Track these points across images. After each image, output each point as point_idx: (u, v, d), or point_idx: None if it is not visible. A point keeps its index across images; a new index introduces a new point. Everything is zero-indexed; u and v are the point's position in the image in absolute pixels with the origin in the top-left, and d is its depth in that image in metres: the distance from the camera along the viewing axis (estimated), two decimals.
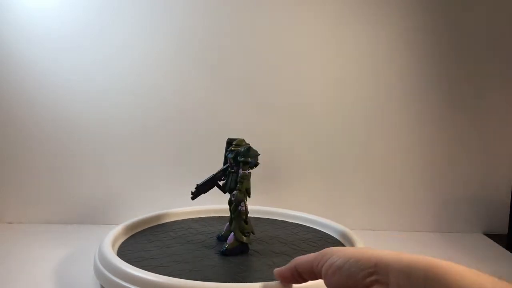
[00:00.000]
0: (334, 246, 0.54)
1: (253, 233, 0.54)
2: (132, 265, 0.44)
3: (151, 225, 0.61)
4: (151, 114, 0.70)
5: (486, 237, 0.71)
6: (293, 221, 0.65)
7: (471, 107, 0.71)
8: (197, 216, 0.66)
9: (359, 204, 0.73)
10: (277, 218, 0.67)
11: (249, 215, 0.54)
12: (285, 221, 0.66)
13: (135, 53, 0.69)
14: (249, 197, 0.53)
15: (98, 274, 0.46)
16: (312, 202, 0.72)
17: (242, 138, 0.54)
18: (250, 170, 0.52)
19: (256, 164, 0.52)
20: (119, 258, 0.46)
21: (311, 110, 0.71)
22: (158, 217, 0.63)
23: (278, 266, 0.47)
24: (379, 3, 0.70)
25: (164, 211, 0.64)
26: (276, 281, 0.40)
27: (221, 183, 0.56)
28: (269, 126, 0.71)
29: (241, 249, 0.52)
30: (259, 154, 0.52)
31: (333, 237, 0.59)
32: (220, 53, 0.70)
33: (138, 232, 0.58)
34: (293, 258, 0.50)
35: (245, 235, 0.52)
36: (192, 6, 0.69)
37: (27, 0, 0.67)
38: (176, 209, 0.65)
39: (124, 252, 0.51)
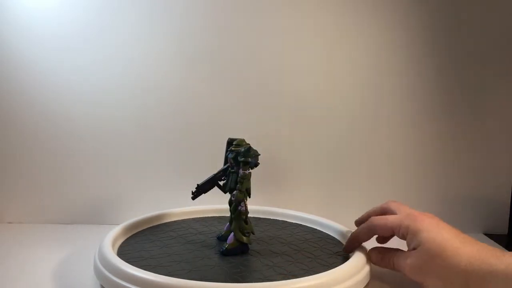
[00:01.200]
0: (334, 246, 0.55)
1: (253, 233, 0.54)
2: (132, 265, 0.44)
3: (151, 225, 0.61)
4: (151, 114, 0.70)
5: (486, 237, 0.71)
6: (293, 221, 0.65)
7: (471, 106, 0.71)
8: (197, 216, 0.66)
9: (359, 204, 0.73)
10: (277, 218, 0.67)
11: (249, 215, 0.54)
12: (285, 221, 0.66)
13: (135, 53, 0.69)
14: (249, 197, 0.53)
15: (98, 274, 0.46)
16: (312, 202, 0.72)
17: (242, 138, 0.54)
18: (250, 170, 0.52)
19: (256, 164, 0.52)
20: (119, 258, 0.46)
21: (312, 110, 0.71)
22: (158, 217, 0.63)
23: (278, 267, 0.48)
24: (380, 5, 0.70)
25: (164, 211, 0.64)
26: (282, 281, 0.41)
27: (221, 183, 0.56)
28: (269, 126, 0.71)
29: (241, 249, 0.52)
30: (259, 154, 0.52)
31: (333, 237, 0.59)
32: (220, 53, 0.70)
33: (138, 232, 0.58)
34: (293, 258, 0.50)
35: (245, 235, 0.52)
36: (192, 6, 0.69)
37: (27, 0, 0.67)
38: (176, 209, 0.65)
39: (124, 252, 0.51)
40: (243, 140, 0.54)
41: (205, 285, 0.40)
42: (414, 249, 0.43)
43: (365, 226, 0.49)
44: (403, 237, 0.45)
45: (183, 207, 0.66)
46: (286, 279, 0.42)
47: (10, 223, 0.70)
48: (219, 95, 0.71)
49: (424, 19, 0.70)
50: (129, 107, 0.70)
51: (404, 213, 0.46)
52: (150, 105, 0.70)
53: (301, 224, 0.64)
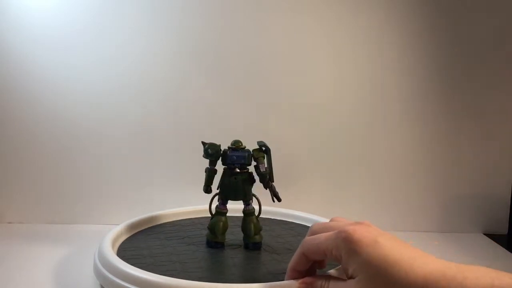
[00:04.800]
0: None
1: (217, 232, 0.53)
2: (132, 265, 0.44)
3: (151, 225, 0.61)
4: (151, 114, 0.70)
5: (486, 237, 0.71)
6: (294, 221, 0.65)
7: (471, 106, 0.71)
8: (198, 216, 0.66)
9: (360, 204, 0.73)
10: (278, 218, 0.67)
11: None
12: (287, 221, 0.66)
13: (135, 53, 0.69)
14: (231, 199, 0.54)
15: (98, 274, 0.46)
16: (314, 202, 0.72)
17: (239, 139, 0.55)
18: (210, 166, 0.54)
19: (234, 162, 0.53)
20: (119, 258, 0.46)
21: (312, 110, 0.71)
22: (158, 217, 0.63)
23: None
24: (380, 5, 0.70)
25: (164, 211, 0.64)
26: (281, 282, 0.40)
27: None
28: (270, 126, 0.71)
29: (209, 244, 0.53)
30: (208, 151, 0.53)
31: None
32: (220, 53, 0.70)
33: (138, 232, 0.58)
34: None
35: (209, 231, 0.53)
36: (192, 6, 0.69)
37: (27, 0, 0.67)
38: (176, 209, 0.65)
39: (124, 252, 0.51)
40: (238, 141, 0.54)
41: (204, 285, 0.40)
42: (352, 277, 0.35)
43: (297, 252, 0.40)
44: (336, 260, 0.36)
45: (183, 207, 0.66)
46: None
47: (10, 223, 0.70)
48: (219, 95, 0.71)
49: (426, 19, 0.70)
50: (130, 107, 0.70)
51: (336, 228, 0.37)
52: (150, 105, 0.70)
53: (302, 224, 0.64)
